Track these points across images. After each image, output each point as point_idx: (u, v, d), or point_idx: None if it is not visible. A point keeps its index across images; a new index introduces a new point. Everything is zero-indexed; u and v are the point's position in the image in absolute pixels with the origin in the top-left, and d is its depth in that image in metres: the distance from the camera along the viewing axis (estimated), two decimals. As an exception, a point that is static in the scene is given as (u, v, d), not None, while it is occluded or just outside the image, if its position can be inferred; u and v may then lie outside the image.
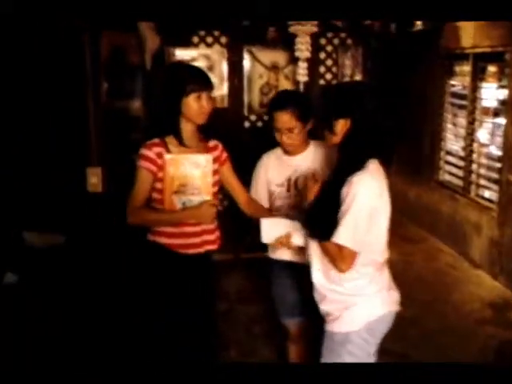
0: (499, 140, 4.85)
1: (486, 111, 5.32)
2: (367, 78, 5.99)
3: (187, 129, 2.43)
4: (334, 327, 2.20)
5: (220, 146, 2.61)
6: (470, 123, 5.30)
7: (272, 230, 2.42)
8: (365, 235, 2.07)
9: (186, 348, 2.54)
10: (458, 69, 5.69)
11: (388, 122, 2.15)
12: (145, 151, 2.39)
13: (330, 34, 5.66)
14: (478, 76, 5.21)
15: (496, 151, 5.03)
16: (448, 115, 5.79)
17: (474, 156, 5.31)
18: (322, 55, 5.69)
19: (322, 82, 5.71)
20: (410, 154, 6.11)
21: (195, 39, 5.60)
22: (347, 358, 2.16)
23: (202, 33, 5.59)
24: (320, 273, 2.20)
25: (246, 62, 5.66)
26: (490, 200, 5.03)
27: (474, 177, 5.31)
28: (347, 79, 5.97)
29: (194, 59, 5.54)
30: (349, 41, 5.75)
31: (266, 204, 2.78)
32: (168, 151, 2.39)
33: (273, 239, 2.44)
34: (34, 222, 3.38)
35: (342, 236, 2.04)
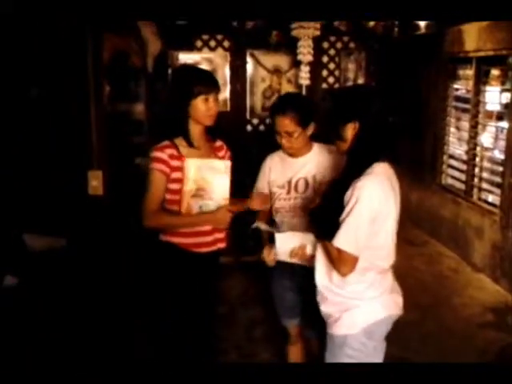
0: (502, 144, 4.84)
1: (489, 115, 5.32)
2: (370, 81, 5.99)
3: (195, 130, 2.48)
4: (333, 329, 2.20)
5: (225, 147, 2.68)
6: (473, 127, 5.29)
7: (286, 243, 2.42)
8: (369, 240, 2.06)
9: (192, 347, 2.60)
10: (461, 72, 5.69)
11: (393, 123, 2.15)
12: (157, 153, 2.43)
13: (332, 38, 5.68)
14: (482, 79, 5.20)
15: (499, 155, 5.02)
16: (451, 119, 5.78)
17: (477, 160, 5.30)
18: (325, 59, 5.70)
19: (324, 85, 5.72)
20: (412, 157, 6.11)
21: (198, 43, 5.63)
22: (346, 361, 2.16)
23: (205, 37, 5.62)
24: (323, 275, 2.20)
25: (249, 66, 5.69)
26: (492, 204, 5.02)
27: (476, 181, 5.30)
28: (350, 83, 5.98)
29: (196, 63, 5.57)
30: (351, 44, 5.76)
31: (258, 207, 2.79)
32: (179, 152, 2.44)
33: (288, 252, 2.44)
34: (35, 224, 3.40)
35: (342, 240, 2.03)
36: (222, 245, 2.61)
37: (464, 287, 4.69)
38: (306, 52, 4.98)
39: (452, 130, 5.79)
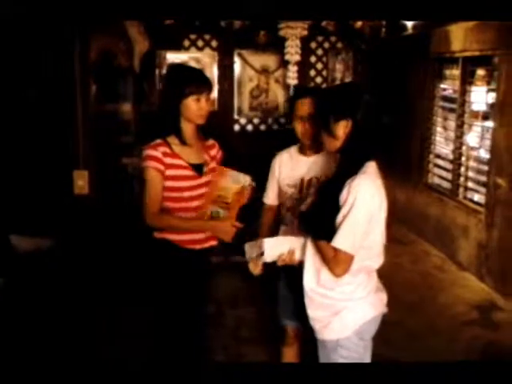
0: (488, 143, 4.88)
1: (475, 114, 5.36)
2: (357, 81, 6.01)
3: (187, 129, 2.52)
4: (324, 335, 2.19)
5: (216, 145, 2.72)
6: (459, 126, 5.34)
7: (274, 249, 2.39)
8: (363, 239, 2.06)
9: (187, 343, 2.64)
10: (447, 72, 5.73)
11: (385, 121, 2.16)
12: (150, 151, 2.46)
13: (320, 38, 5.70)
14: (468, 79, 5.24)
15: (484, 154, 5.06)
16: (438, 118, 5.83)
17: (463, 159, 5.34)
18: (313, 59, 5.72)
19: (312, 85, 5.73)
20: (399, 156, 6.15)
21: (186, 43, 5.63)
22: (341, 362, 2.16)
23: (193, 36, 5.61)
24: (311, 277, 2.19)
25: (237, 66, 5.69)
26: (477, 203, 5.06)
27: (462, 180, 5.34)
28: (338, 82, 5.99)
29: (184, 62, 5.56)
30: (339, 44, 5.79)
31: (274, 202, 2.81)
32: (172, 150, 2.48)
33: (275, 257, 2.43)
34: (21, 225, 3.38)
35: (341, 240, 2.02)
36: (214, 242, 2.65)
37: (450, 285, 4.73)
38: (293, 52, 5.00)
39: (439, 129, 5.83)
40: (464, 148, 5.33)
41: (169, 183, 2.48)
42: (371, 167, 2.09)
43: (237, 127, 5.73)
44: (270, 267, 2.73)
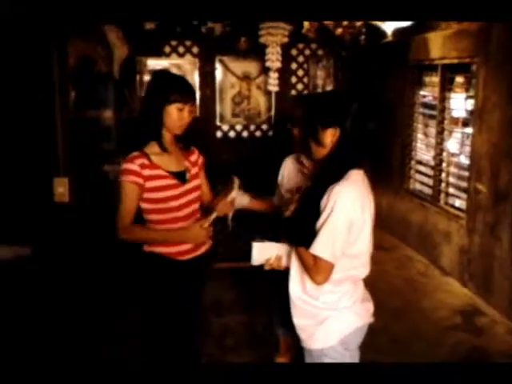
0: (468, 149, 4.93)
1: (454, 121, 5.42)
2: (338, 88, 6.04)
3: (166, 136, 2.47)
4: (309, 344, 2.18)
5: (196, 151, 2.69)
6: (440, 133, 5.39)
7: (262, 253, 2.38)
8: (345, 248, 2.03)
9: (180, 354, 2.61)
10: (427, 79, 5.79)
11: (370, 129, 2.15)
12: (127, 165, 2.39)
13: (300, 45, 5.71)
14: (447, 86, 5.30)
15: (465, 160, 5.11)
16: (418, 125, 5.87)
17: (444, 165, 5.39)
18: (294, 65, 5.74)
19: (293, 92, 5.75)
20: (381, 163, 6.18)
21: (167, 49, 5.60)
22: None
23: (174, 42, 5.59)
24: (297, 284, 2.17)
25: (218, 72, 5.68)
26: (459, 208, 5.11)
27: (443, 186, 5.39)
28: (319, 89, 6.02)
29: (168, 69, 5.53)
30: (320, 51, 5.81)
31: (279, 204, 2.82)
32: (150, 161, 2.42)
33: (262, 261, 2.41)
34: (0, 233, 3.31)
35: (319, 247, 2.00)
36: (205, 247, 2.62)
37: (433, 291, 4.75)
38: (274, 59, 5.01)
39: (419, 136, 5.88)
40: (444, 154, 5.38)
41: (152, 195, 2.43)
42: (356, 175, 2.07)
43: (219, 134, 5.71)
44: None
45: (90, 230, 3.86)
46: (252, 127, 5.65)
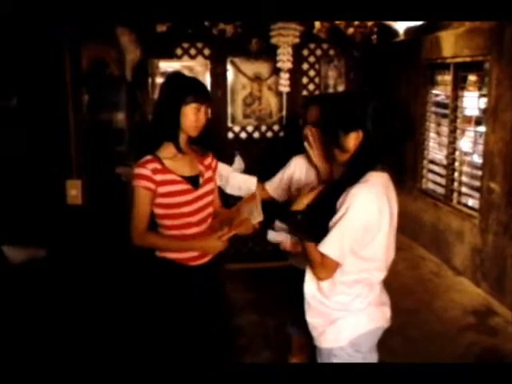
0: (481, 148, 4.90)
1: (467, 120, 5.38)
2: (350, 88, 6.02)
3: (182, 138, 2.45)
4: (319, 342, 2.19)
5: (211, 155, 2.67)
6: (452, 132, 5.36)
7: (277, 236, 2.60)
8: (359, 249, 2.02)
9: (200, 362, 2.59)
10: (439, 78, 5.76)
11: (397, 128, 2.05)
12: (139, 170, 2.39)
13: (312, 45, 5.68)
14: (459, 85, 5.27)
15: (478, 159, 5.08)
16: (431, 124, 5.85)
17: (456, 164, 5.36)
18: (305, 66, 5.71)
19: (304, 92, 5.73)
20: (393, 162, 6.15)
21: (178, 51, 5.60)
22: None
23: (186, 45, 5.59)
24: (311, 283, 2.18)
25: (229, 74, 5.67)
26: (472, 208, 5.07)
27: (456, 185, 5.35)
28: (330, 90, 6.00)
29: (181, 71, 5.55)
30: (331, 52, 5.78)
31: (272, 192, 2.88)
32: (162, 165, 2.41)
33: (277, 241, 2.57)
34: (14, 235, 3.36)
35: (327, 246, 1.99)
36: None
37: (445, 291, 4.73)
38: (285, 59, 5.01)
39: (432, 135, 5.85)
40: (457, 153, 5.35)
41: (164, 200, 2.42)
42: (377, 177, 2.05)
43: (230, 135, 5.71)
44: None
45: (103, 232, 3.89)
46: (263, 128, 5.64)
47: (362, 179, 2.02)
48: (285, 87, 5.14)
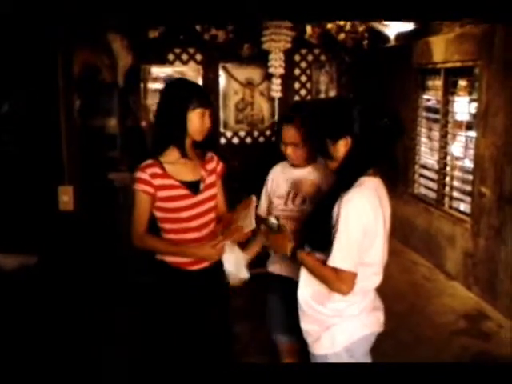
0: (472, 153, 4.93)
1: (458, 125, 5.41)
2: (342, 93, 6.06)
3: (187, 142, 2.45)
4: (314, 349, 2.19)
5: (215, 158, 2.65)
6: (443, 136, 5.39)
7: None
8: (364, 255, 2.02)
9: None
10: (430, 83, 5.79)
11: (386, 128, 2.04)
12: (139, 173, 2.41)
13: (303, 51, 5.73)
14: (450, 90, 5.30)
15: (469, 164, 5.11)
16: (422, 129, 5.88)
17: (448, 169, 5.39)
18: (297, 71, 5.76)
19: (296, 97, 5.77)
20: (384, 167, 6.17)
21: (171, 56, 5.63)
22: None
23: (178, 50, 5.62)
24: (306, 290, 2.17)
25: (221, 79, 5.70)
26: (463, 212, 5.10)
27: (447, 189, 5.38)
28: (322, 95, 6.04)
29: (169, 76, 5.57)
30: (323, 57, 5.83)
31: (261, 213, 2.80)
32: (163, 170, 2.42)
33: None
34: (5, 242, 3.34)
35: (337, 259, 1.98)
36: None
37: (437, 295, 4.74)
38: (277, 65, 5.04)
39: (423, 139, 5.88)
40: (448, 158, 5.38)
41: (163, 204, 2.43)
42: (369, 181, 2.06)
43: (223, 140, 5.73)
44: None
45: (95, 238, 3.88)
46: (255, 133, 5.68)
47: (355, 184, 2.02)
48: (277, 93, 5.17)
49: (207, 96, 2.49)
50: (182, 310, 2.53)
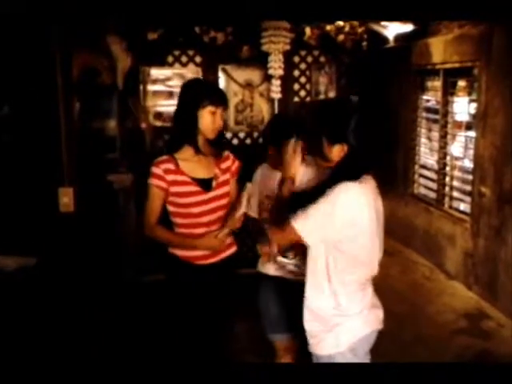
0: (471, 153, 4.94)
1: (457, 125, 5.42)
2: (341, 94, 6.05)
3: (200, 140, 2.54)
4: (317, 350, 2.19)
5: (231, 157, 2.73)
6: (443, 137, 5.40)
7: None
8: (344, 244, 2.04)
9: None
10: (429, 84, 5.81)
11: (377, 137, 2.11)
12: (153, 169, 2.52)
13: (303, 52, 5.71)
14: (449, 91, 5.32)
15: (468, 164, 5.12)
16: (422, 129, 5.89)
17: (447, 169, 5.39)
18: (296, 73, 5.74)
19: (296, 99, 5.76)
20: (384, 168, 6.19)
21: (170, 59, 5.62)
22: None
23: (177, 52, 5.62)
24: (313, 290, 2.18)
25: (221, 81, 5.69)
26: (463, 212, 5.11)
27: (447, 189, 5.39)
28: (321, 96, 6.03)
29: (168, 78, 5.57)
30: (322, 58, 5.81)
31: (254, 214, 2.82)
32: (177, 166, 2.52)
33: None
34: (5, 244, 3.34)
35: (298, 218, 2.03)
36: (231, 250, 2.69)
37: (438, 295, 4.75)
38: (276, 66, 5.04)
39: (423, 140, 5.89)
40: (448, 158, 5.39)
41: (175, 199, 2.53)
42: (366, 179, 2.09)
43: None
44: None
45: (95, 239, 3.89)
46: (255, 134, 5.67)
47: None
48: (276, 94, 5.18)
49: (221, 95, 2.56)
50: (185, 302, 2.62)
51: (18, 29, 3.25)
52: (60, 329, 3.40)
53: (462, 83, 5.35)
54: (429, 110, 5.79)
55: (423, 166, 5.91)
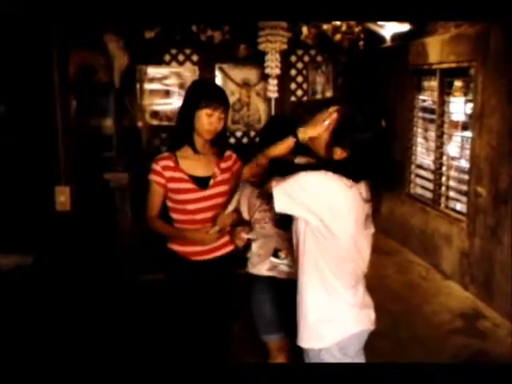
0: (467, 153, 4.95)
1: (454, 125, 5.43)
2: (338, 94, 6.07)
3: (198, 140, 2.59)
4: (302, 343, 2.17)
5: (233, 157, 2.75)
6: (439, 137, 5.40)
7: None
8: (322, 229, 2.03)
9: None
10: (426, 84, 5.81)
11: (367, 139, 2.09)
12: (153, 165, 2.60)
13: (299, 51, 5.74)
14: (446, 91, 5.32)
15: (465, 164, 5.12)
16: (418, 129, 5.89)
17: (444, 169, 5.40)
18: (293, 72, 5.77)
19: (293, 98, 5.77)
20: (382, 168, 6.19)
21: (167, 57, 5.63)
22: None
23: (174, 51, 5.62)
24: (302, 284, 2.15)
25: (218, 80, 5.70)
26: (459, 212, 5.12)
27: (443, 189, 5.40)
28: (318, 95, 6.05)
29: (165, 77, 5.58)
30: (319, 58, 5.84)
31: (246, 216, 2.81)
32: (175, 163, 2.58)
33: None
34: (2, 242, 3.34)
35: (277, 180, 2.05)
36: (227, 249, 2.73)
37: (434, 294, 4.75)
38: (273, 65, 5.06)
39: (419, 140, 5.90)
40: (444, 158, 5.40)
41: (173, 196, 2.60)
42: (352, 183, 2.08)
43: (219, 141, 5.75)
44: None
45: (92, 238, 3.88)
46: (252, 134, 5.69)
47: None
48: (273, 93, 5.19)
49: (220, 98, 2.56)
50: (187, 297, 2.67)
51: (15, 28, 3.24)
52: (57, 327, 3.40)
53: (458, 83, 5.35)
54: (425, 109, 5.79)
55: (420, 166, 5.92)
